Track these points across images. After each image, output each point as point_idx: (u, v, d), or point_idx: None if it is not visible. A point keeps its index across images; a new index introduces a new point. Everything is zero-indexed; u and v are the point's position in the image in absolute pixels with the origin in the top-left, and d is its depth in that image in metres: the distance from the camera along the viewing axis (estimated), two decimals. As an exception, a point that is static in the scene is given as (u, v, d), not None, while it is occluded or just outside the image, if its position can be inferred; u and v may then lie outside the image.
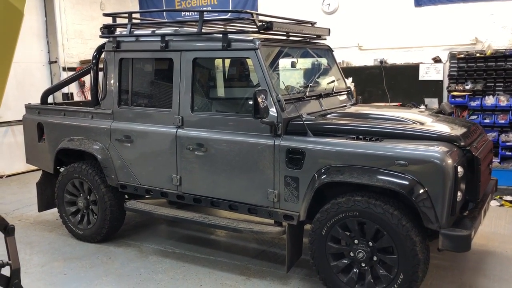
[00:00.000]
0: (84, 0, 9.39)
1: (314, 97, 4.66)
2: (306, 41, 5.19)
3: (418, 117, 4.31)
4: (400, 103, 7.81)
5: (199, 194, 4.55)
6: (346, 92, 5.39)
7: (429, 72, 7.76)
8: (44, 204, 5.88)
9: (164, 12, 8.71)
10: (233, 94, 5.06)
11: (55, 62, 9.36)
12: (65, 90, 8.95)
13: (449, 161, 3.41)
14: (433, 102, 7.64)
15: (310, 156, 3.89)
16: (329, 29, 5.40)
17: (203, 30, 4.45)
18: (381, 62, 8.19)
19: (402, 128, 3.91)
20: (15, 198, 7.34)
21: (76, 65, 9.57)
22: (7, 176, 8.72)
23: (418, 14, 8.02)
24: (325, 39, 5.47)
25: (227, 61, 5.08)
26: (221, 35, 4.33)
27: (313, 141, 3.92)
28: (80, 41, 9.51)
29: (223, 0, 9.14)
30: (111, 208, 5.15)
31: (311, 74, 5.34)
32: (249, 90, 4.62)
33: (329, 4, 8.75)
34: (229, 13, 7.05)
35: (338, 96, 5.15)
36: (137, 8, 9.71)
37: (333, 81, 5.19)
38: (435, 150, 3.47)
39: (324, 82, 5.20)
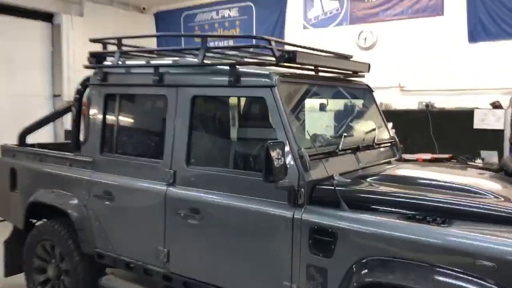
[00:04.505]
0: (96, 30, 8.62)
1: (350, 151, 3.53)
2: (339, 78, 4.10)
3: (495, 187, 3.12)
4: (451, 156, 6.56)
5: (190, 277, 3.41)
6: (390, 144, 4.23)
7: (487, 120, 6.54)
8: (12, 267, 4.82)
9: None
10: (242, 145, 3.92)
11: (59, 96, 8.57)
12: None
13: None
14: (491, 156, 6.38)
15: (345, 239, 2.72)
16: (369, 64, 4.31)
17: (206, 61, 3.41)
18: (427, 105, 7.04)
19: (479, 205, 2.70)
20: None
21: (81, 99, 8.73)
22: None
23: (472, 51, 6.91)
24: (363, 76, 4.37)
25: (235, 101, 4.00)
26: (228, 67, 3.28)
27: (349, 217, 2.76)
28: (87, 74, 8.70)
29: (247, 31, 8.31)
30: (84, 282, 4.05)
31: (345, 120, 4.22)
32: (264, 139, 3.52)
33: (365, 38, 7.70)
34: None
35: (380, 149, 3.99)
36: (154, 40, 8.92)
37: (373, 130, 4.06)
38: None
39: (362, 130, 4.06)
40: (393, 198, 2.86)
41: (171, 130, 3.55)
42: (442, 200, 2.76)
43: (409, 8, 7.29)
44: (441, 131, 6.85)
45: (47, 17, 8.56)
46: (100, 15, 8.82)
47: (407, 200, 2.81)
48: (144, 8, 9.75)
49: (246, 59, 3.96)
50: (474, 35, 6.81)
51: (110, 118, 4.02)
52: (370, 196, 2.94)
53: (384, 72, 7.32)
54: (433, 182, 3.14)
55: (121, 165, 3.86)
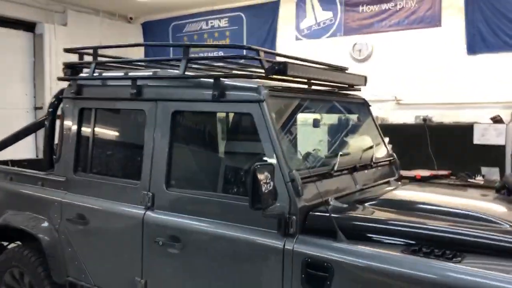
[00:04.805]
0: (80, 41, 8.29)
1: (346, 171, 3.22)
2: (334, 91, 3.80)
3: (505, 212, 2.85)
4: (450, 172, 6.28)
5: (170, 312, 3.07)
6: (388, 162, 3.93)
7: (487, 135, 6.24)
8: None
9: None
10: (228, 166, 3.58)
11: (41, 108, 8.19)
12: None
13: None
14: (493, 173, 6.09)
15: (342, 275, 2.41)
16: (366, 77, 4.02)
17: (188, 73, 3.10)
18: (424, 120, 6.74)
19: (494, 236, 2.38)
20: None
21: (64, 112, 8.37)
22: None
23: (471, 63, 6.62)
24: (359, 89, 4.08)
25: (221, 118, 3.68)
26: (212, 80, 2.96)
27: (348, 249, 2.44)
28: (70, 86, 8.37)
29: (237, 41, 7.99)
30: (55, 315, 3.69)
31: (340, 136, 3.92)
32: (252, 159, 3.20)
33: (360, 50, 7.42)
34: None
35: (378, 168, 3.69)
36: (142, 50, 8.59)
37: (371, 147, 3.77)
38: None
39: (359, 148, 3.75)
40: (396, 227, 2.55)
41: (150, 148, 3.23)
42: (451, 230, 2.45)
43: (405, 19, 7.03)
44: (439, 147, 6.54)
45: (29, 26, 8.22)
46: (84, 24, 8.50)
47: (411, 230, 2.50)
48: (131, 18, 9.45)
49: (234, 71, 3.66)
50: (473, 47, 6.54)
51: (85, 134, 3.69)
52: (370, 224, 2.64)
53: (380, 85, 7.01)
54: (438, 208, 2.85)
55: (96, 186, 3.53)
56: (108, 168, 3.67)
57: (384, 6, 7.21)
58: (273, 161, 2.65)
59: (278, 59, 3.16)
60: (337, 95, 3.81)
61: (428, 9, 6.83)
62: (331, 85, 3.67)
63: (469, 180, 5.93)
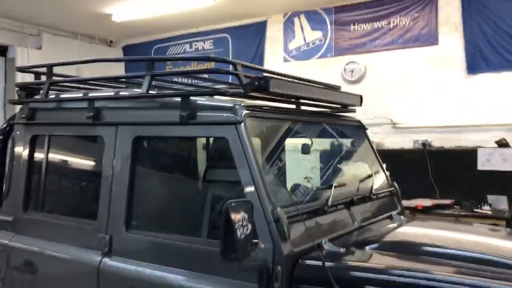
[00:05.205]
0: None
1: (342, 206, 2.72)
2: (326, 112, 3.32)
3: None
4: (453, 201, 5.78)
5: None
6: (389, 193, 3.43)
7: (492, 160, 5.75)
8: None
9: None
10: (199, 203, 3.02)
11: (12, 136, 7.62)
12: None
13: None
14: (500, 201, 5.57)
15: None
16: (361, 96, 3.56)
17: (153, 92, 2.61)
18: (423, 144, 6.25)
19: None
20: None
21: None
22: None
23: (471, 84, 6.16)
24: (354, 110, 3.60)
25: (191, 144, 3.16)
26: (179, 99, 2.47)
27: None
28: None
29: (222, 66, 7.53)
30: None
31: (334, 164, 3.43)
32: (229, 193, 2.68)
33: (352, 71, 6.97)
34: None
35: (378, 200, 3.19)
36: (123, 72, 8.05)
37: (369, 176, 3.28)
38: None
39: (355, 177, 3.26)
40: (405, 279, 2.03)
41: (108, 182, 2.71)
42: (471, 283, 1.94)
43: (399, 38, 6.61)
44: (441, 173, 6.05)
45: (0, 50, 7.75)
46: (61, 48, 8.00)
47: (423, 282, 1.99)
48: (111, 41, 8.99)
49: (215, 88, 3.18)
50: (473, 66, 6.09)
51: (37, 165, 3.18)
52: (372, 275, 2.12)
53: (374, 108, 6.57)
54: (450, 251, 2.38)
55: (48, 227, 3.00)
56: (63, 205, 3.14)
57: (377, 24, 6.80)
58: (252, 195, 2.14)
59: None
60: (329, 116, 3.33)
61: (423, 27, 6.42)
62: (322, 105, 3.18)
63: (475, 210, 5.43)
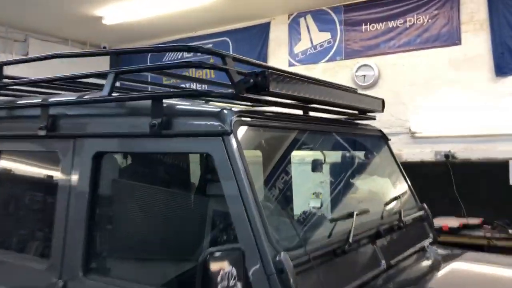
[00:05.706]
0: (44, 73, 7.28)
1: (365, 239, 2.10)
2: (340, 119, 2.71)
3: None
4: (483, 220, 5.14)
5: None
6: (419, 218, 2.82)
7: (526, 173, 5.17)
8: None
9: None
10: (176, 241, 2.30)
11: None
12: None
13: None
14: (537, 221, 4.96)
15: None
16: (383, 100, 2.96)
17: (117, 94, 2.01)
18: (446, 156, 5.66)
19: None
20: None
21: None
22: None
23: (500, 87, 5.59)
24: (374, 117, 3.00)
25: (166, 161, 2.53)
26: (149, 102, 1.86)
27: None
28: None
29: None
30: None
31: (351, 184, 2.80)
32: (215, 229, 2.04)
33: (364, 76, 6.38)
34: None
35: (408, 228, 2.56)
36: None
37: (396, 198, 2.66)
38: None
39: (379, 200, 2.63)
40: None
41: (63, 211, 2.10)
42: None
43: (417, 38, 6.02)
44: (467, 189, 5.46)
45: (-17, 57, 7.21)
46: (50, 55, 7.50)
47: None
48: (105, 47, 8.47)
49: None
50: (501, 67, 5.50)
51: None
52: None
53: (390, 115, 5.98)
54: None
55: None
56: (9, 241, 2.51)
57: (392, 23, 6.23)
58: (245, 236, 1.53)
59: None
60: (345, 124, 2.71)
61: (444, 25, 5.85)
62: (336, 110, 2.57)
63: (510, 231, 4.78)
